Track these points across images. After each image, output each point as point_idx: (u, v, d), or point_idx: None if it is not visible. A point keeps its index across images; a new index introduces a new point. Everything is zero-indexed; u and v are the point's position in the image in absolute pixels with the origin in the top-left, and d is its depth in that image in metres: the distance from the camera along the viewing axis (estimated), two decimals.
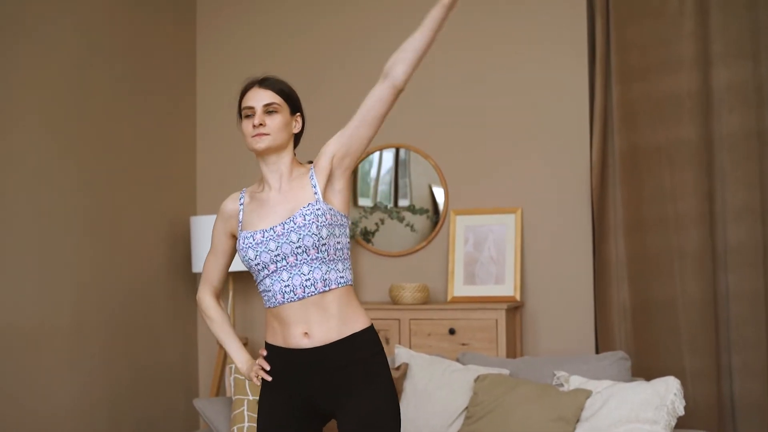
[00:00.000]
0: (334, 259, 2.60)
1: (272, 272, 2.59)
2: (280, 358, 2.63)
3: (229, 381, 4.09)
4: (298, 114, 2.76)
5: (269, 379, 2.64)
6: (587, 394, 3.66)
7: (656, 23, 4.51)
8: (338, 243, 2.61)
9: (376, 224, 4.95)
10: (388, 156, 4.99)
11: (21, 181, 3.98)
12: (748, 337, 4.32)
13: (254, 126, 2.63)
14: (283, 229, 2.58)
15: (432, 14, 2.67)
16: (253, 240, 2.61)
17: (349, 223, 2.71)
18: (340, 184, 2.67)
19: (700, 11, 4.42)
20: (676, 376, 4.18)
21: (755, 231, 4.32)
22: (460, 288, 4.71)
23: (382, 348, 2.66)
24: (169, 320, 4.96)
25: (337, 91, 5.04)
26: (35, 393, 4.00)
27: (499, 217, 4.73)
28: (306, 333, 2.57)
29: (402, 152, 4.96)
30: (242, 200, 2.74)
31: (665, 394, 3.55)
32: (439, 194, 4.89)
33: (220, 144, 5.20)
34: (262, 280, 2.63)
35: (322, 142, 5.17)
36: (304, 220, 2.56)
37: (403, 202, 4.97)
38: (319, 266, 2.57)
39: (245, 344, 4.89)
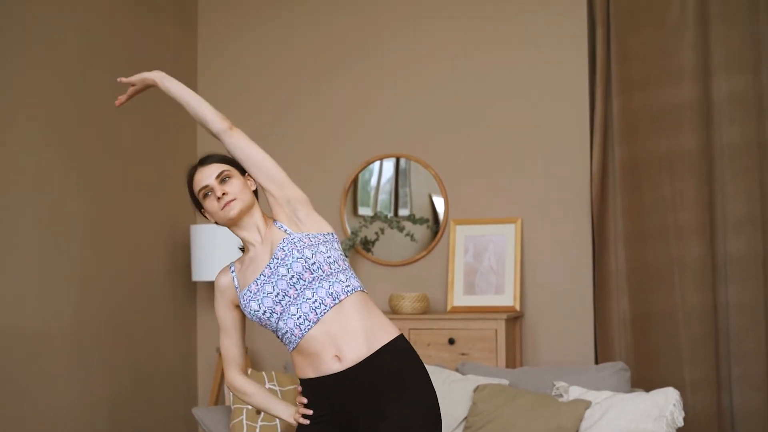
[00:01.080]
0: (331, 273, 2.60)
1: (281, 314, 2.60)
2: (315, 388, 2.62)
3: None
4: (247, 174, 2.76)
5: (310, 413, 2.63)
6: (586, 404, 3.65)
7: (657, 34, 4.52)
8: (329, 258, 2.62)
9: (376, 234, 4.95)
10: (389, 165, 4.99)
11: (21, 186, 3.98)
12: (748, 349, 4.32)
13: (218, 199, 2.66)
14: (270, 269, 2.60)
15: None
16: (251, 292, 2.63)
17: (336, 237, 2.70)
18: (302, 213, 2.68)
19: (700, 22, 4.43)
20: (676, 387, 4.18)
21: (755, 242, 4.32)
22: (459, 298, 4.71)
23: (417, 356, 2.65)
24: (168, 328, 4.95)
25: (338, 95, 5.05)
26: (35, 398, 3.99)
27: (499, 227, 4.73)
28: (336, 356, 2.56)
29: (402, 162, 4.96)
30: (233, 269, 2.76)
31: (665, 405, 3.55)
32: (439, 204, 4.89)
33: (220, 152, 5.19)
34: (276, 326, 2.63)
35: (328, 145, 5.19)
36: (284, 251, 2.59)
37: (403, 212, 4.97)
38: (320, 285, 2.58)
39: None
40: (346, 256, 4.77)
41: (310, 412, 2.63)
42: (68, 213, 4.23)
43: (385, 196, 5.03)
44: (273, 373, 4.05)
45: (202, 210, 2.75)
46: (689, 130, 4.42)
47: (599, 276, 4.56)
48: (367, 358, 2.55)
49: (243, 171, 2.74)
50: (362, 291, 2.65)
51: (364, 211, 5.03)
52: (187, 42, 5.25)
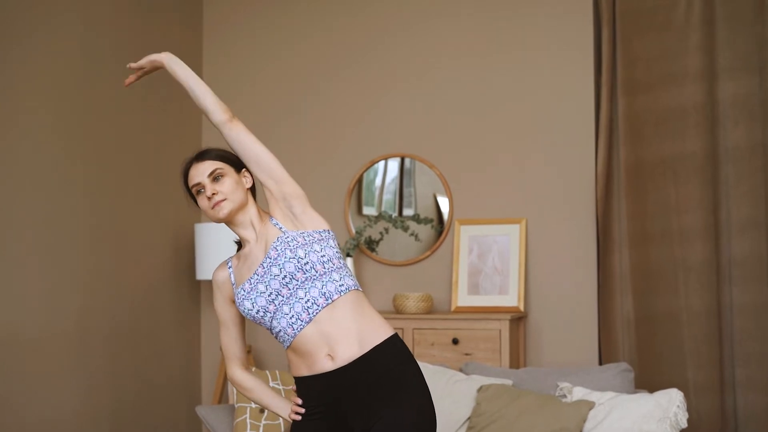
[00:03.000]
0: (325, 272, 2.59)
1: (274, 313, 2.59)
2: (308, 386, 2.62)
3: (232, 388, 4.09)
4: (244, 170, 2.75)
5: (303, 411, 2.63)
6: (590, 405, 3.65)
7: (662, 36, 4.52)
8: (323, 257, 2.60)
9: (381, 233, 4.95)
10: (393, 165, 4.99)
11: (24, 186, 3.99)
12: (752, 351, 4.31)
13: (208, 198, 2.66)
14: (263, 268, 2.59)
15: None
16: (244, 291, 2.63)
17: (332, 234, 2.69)
18: (298, 209, 2.66)
19: (706, 24, 4.43)
20: (680, 388, 4.18)
21: (760, 244, 4.31)
22: (464, 298, 4.71)
23: (411, 356, 2.64)
24: (172, 327, 4.96)
25: (343, 94, 5.05)
26: (39, 399, 4.00)
27: (504, 228, 4.73)
28: (329, 355, 2.56)
29: (407, 161, 4.96)
30: (230, 265, 2.76)
31: (668, 407, 3.55)
32: (444, 204, 4.89)
33: (223, 145, 5.20)
34: (270, 325, 2.63)
35: (332, 144, 5.20)
36: (277, 251, 2.58)
37: (407, 212, 4.97)
38: (313, 284, 2.57)
39: (248, 352, 4.89)
40: (349, 255, 4.80)
41: (303, 410, 2.63)
42: (72, 213, 4.24)
43: (389, 195, 5.03)
44: (276, 371, 4.05)
45: (197, 202, 2.75)
46: (694, 133, 4.42)
47: (603, 277, 4.56)
48: (360, 357, 2.55)
49: (239, 168, 2.73)
50: (357, 290, 2.64)
51: (369, 210, 5.04)
52: (192, 40, 5.26)
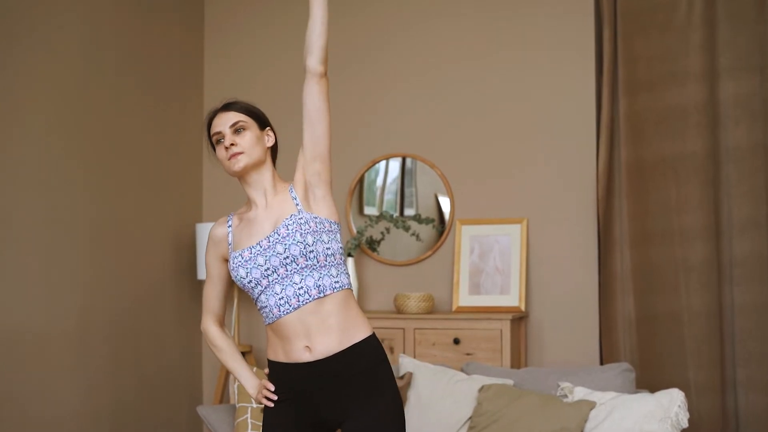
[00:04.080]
0: (325, 265, 2.59)
1: (265, 287, 2.59)
2: (282, 373, 2.63)
3: (233, 388, 4.09)
4: (268, 128, 2.75)
5: (274, 398, 2.64)
6: (591, 405, 3.65)
7: (664, 36, 4.51)
8: (328, 249, 2.60)
9: (382, 233, 4.95)
10: (395, 165, 4.99)
11: (25, 185, 3.99)
12: (753, 351, 4.32)
13: (226, 148, 2.65)
14: (269, 242, 2.58)
15: None
16: (242, 258, 2.61)
17: (340, 228, 2.69)
18: (321, 191, 2.65)
19: (707, 24, 4.43)
20: (681, 388, 4.18)
21: (761, 244, 4.31)
22: (465, 298, 4.71)
23: (386, 356, 2.65)
24: (173, 327, 4.96)
25: (344, 95, 5.05)
26: (40, 398, 4.00)
27: (505, 228, 4.73)
28: (307, 347, 2.56)
29: (408, 161, 4.97)
30: (230, 223, 2.74)
31: (669, 407, 3.55)
32: (445, 204, 4.89)
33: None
34: (258, 297, 2.63)
35: (334, 144, 5.19)
36: (287, 230, 2.56)
37: (408, 212, 4.97)
38: (311, 273, 2.57)
39: (249, 352, 4.90)
40: (350, 255, 4.80)
41: (275, 397, 2.64)
42: (72, 212, 4.24)
43: (390, 195, 5.03)
44: None
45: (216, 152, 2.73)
46: (695, 132, 4.42)
47: (604, 277, 4.56)
48: (337, 354, 2.56)
49: (264, 125, 2.72)
50: (348, 288, 2.64)
51: (370, 210, 5.04)
52: (193, 42, 5.26)
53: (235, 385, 4.01)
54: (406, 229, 4.88)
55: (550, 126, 4.73)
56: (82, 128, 4.32)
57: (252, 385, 2.76)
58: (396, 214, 4.96)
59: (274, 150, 2.76)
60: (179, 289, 5.01)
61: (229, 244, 2.71)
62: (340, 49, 5.15)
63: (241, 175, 2.68)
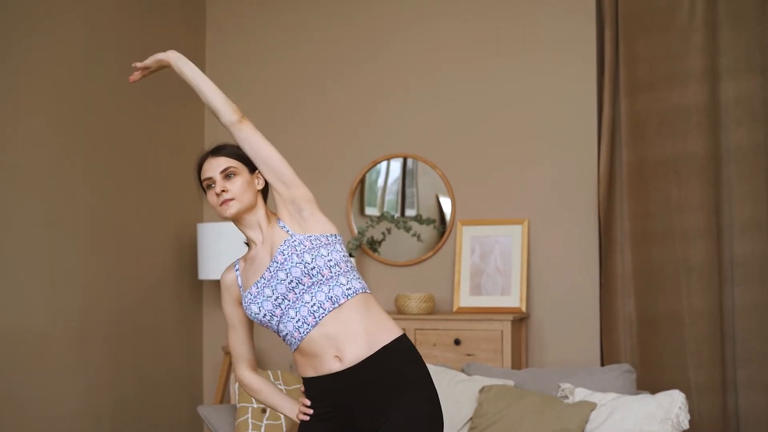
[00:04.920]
0: (331, 276, 2.59)
1: (281, 317, 2.60)
2: (316, 386, 2.63)
3: (234, 388, 4.10)
4: (258, 171, 2.74)
5: (311, 411, 2.64)
6: (592, 406, 3.65)
7: (665, 36, 4.51)
8: (329, 261, 2.60)
9: (383, 234, 4.95)
10: (396, 165, 4.99)
11: (27, 186, 3.99)
12: (754, 351, 4.31)
13: (217, 195, 2.66)
14: (270, 272, 2.60)
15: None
16: (251, 295, 2.63)
17: (340, 238, 2.69)
18: (307, 212, 2.65)
19: (709, 25, 4.43)
20: (681, 389, 4.18)
21: (762, 245, 4.31)
22: (466, 298, 4.71)
23: (418, 356, 2.64)
24: (174, 327, 4.96)
25: (346, 95, 5.05)
26: (40, 398, 4.00)
27: (506, 228, 4.73)
28: (337, 356, 2.56)
29: (409, 162, 4.96)
30: (237, 267, 2.77)
31: (670, 408, 3.55)
32: (446, 204, 4.89)
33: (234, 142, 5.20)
34: (278, 328, 2.64)
35: (335, 145, 5.20)
36: (284, 255, 2.58)
37: (410, 212, 4.97)
38: (320, 289, 2.58)
39: None
40: (352, 256, 4.80)
41: (311, 411, 2.64)
42: (73, 212, 4.24)
43: (392, 196, 5.03)
44: (279, 372, 4.06)
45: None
46: (697, 133, 4.42)
47: (605, 278, 4.56)
48: (367, 358, 2.55)
49: (253, 168, 2.72)
50: (365, 293, 2.64)
51: (371, 211, 5.04)
52: (194, 42, 5.26)
53: (236, 385, 4.02)
54: (407, 229, 4.88)
55: (551, 127, 4.72)
56: (83, 128, 4.32)
57: (294, 412, 2.75)
58: (397, 215, 4.96)
59: (264, 191, 2.77)
60: (180, 289, 5.01)
61: (240, 287, 2.73)
62: (340, 49, 5.15)
63: (235, 219, 2.70)
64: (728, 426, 4.35)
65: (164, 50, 2.70)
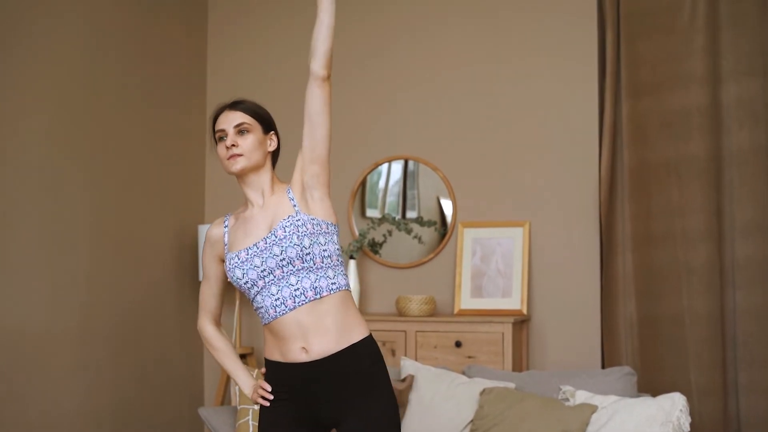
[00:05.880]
0: (322, 267, 2.59)
1: (261, 288, 2.59)
2: (279, 372, 2.63)
3: (234, 390, 4.09)
4: (272, 132, 2.75)
5: (270, 398, 2.64)
6: (593, 409, 3.65)
7: (667, 39, 4.51)
8: (324, 251, 2.60)
9: (384, 236, 4.95)
10: (397, 167, 4.99)
11: (29, 187, 4.00)
12: (755, 354, 4.31)
13: (227, 148, 2.65)
14: (266, 243, 2.58)
15: None
16: (239, 259, 2.62)
17: (338, 229, 2.69)
18: (318, 193, 2.66)
19: (711, 27, 4.43)
20: (682, 392, 4.17)
21: (763, 247, 4.31)
22: (467, 301, 4.71)
23: (382, 358, 2.66)
24: (175, 328, 4.96)
25: (347, 98, 5.05)
26: (41, 398, 4.00)
27: (507, 231, 4.73)
28: (303, 348, 2.57)
29: (411, 164, 4.96)
30: (227, 223, 2.75)
31: (671, 411, 3.54)
32: (447, 207, 4.89)
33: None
34: (254, 298, 2.63)
35: (336, 146, 5.20)
36: (285, 232, 2.57)
37: (411, 214, 4.97)
38: (307, 275, 2.57)
39: (250, 354, 4.90)
40: (352, 257, 4.80)
41: (271, 397, 2.64)
42: (74, 213, 4.25)
43: (393, 198, 5.03)
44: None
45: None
46: (698, 135, 4.42)
47: (606, 280, 4.55)
48: (333, 354, 2.56)
49: (268, 129, 2.73)
50: (346, 290, 2.64)
51: (372, 213, 5.04)
52: (196, 43, 5.26)
53: (236, 387, 4.01)
54: (408, 231, 4.88)
55: (552, 129, 4.72)
56: (84, 129, 4.32)
57: (248, 385, 2.77)
58: (398, 217, 4.96)
59: (275, 154, 2.77)
60: (181, 290, 5.01)
61: (225, 245, 2.72)
62: (343, 52, 5.14)
63: (239, 176, 2.69)
64: (729, 429, 4.35)
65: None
